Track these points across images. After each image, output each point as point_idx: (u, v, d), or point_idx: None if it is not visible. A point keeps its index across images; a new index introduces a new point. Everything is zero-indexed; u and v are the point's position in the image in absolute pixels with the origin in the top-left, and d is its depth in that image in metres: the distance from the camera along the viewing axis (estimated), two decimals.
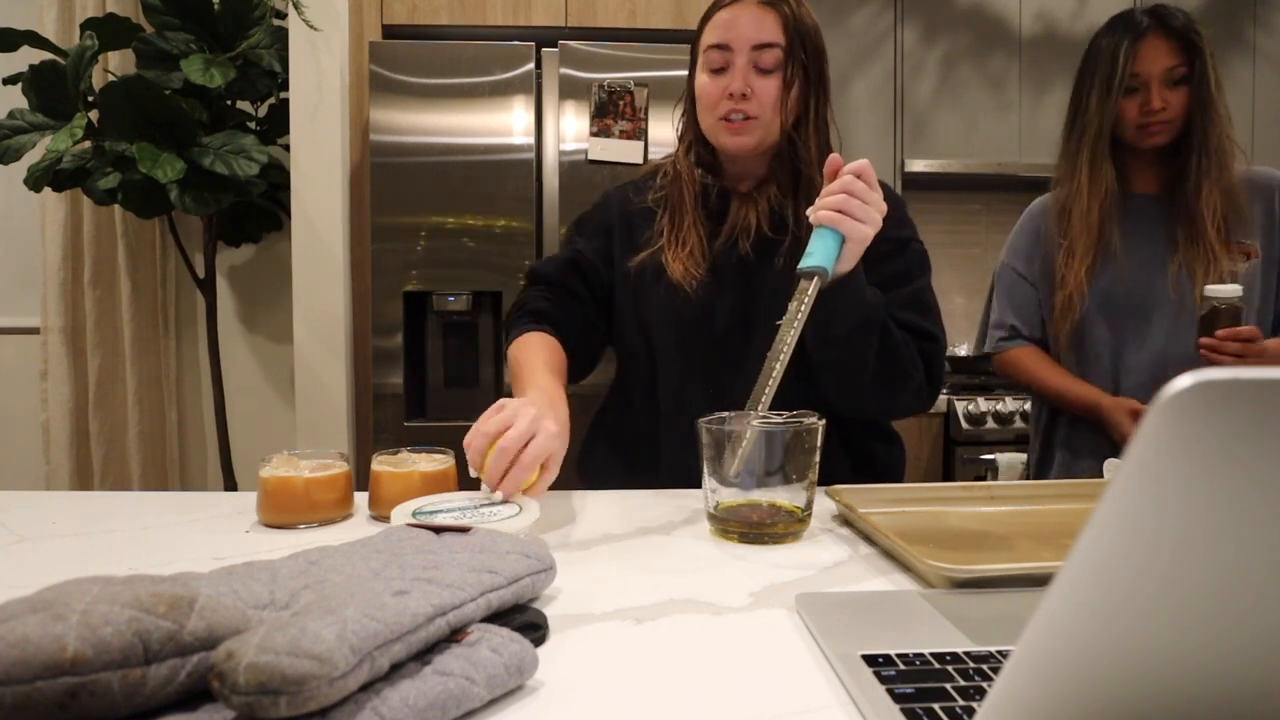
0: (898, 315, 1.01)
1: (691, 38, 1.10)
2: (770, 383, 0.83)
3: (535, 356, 1.01)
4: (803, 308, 0.85)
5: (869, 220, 0.88)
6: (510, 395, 0.93)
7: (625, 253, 1.13)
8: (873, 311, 0.97)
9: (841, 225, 0.87)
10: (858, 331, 0.96)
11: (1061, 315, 1.40)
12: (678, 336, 1.09)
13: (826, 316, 0.92)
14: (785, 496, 0.78)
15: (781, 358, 0.84)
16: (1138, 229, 1.37)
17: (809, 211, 0.90)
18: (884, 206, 0.90)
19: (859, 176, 0.88)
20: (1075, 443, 1.43)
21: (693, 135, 1.12)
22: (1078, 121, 1.38)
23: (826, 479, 0.87)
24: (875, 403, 1.04)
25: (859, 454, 1.10)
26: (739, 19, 1.02)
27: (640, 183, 1.18)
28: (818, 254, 0.87)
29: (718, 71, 1.04)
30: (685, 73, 1.13)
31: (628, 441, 1.15)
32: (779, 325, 0.86)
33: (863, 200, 0.87)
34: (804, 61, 1.04)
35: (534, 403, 0.84)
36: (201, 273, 2.35)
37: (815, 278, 0.86)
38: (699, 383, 1.08)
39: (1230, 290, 1.23)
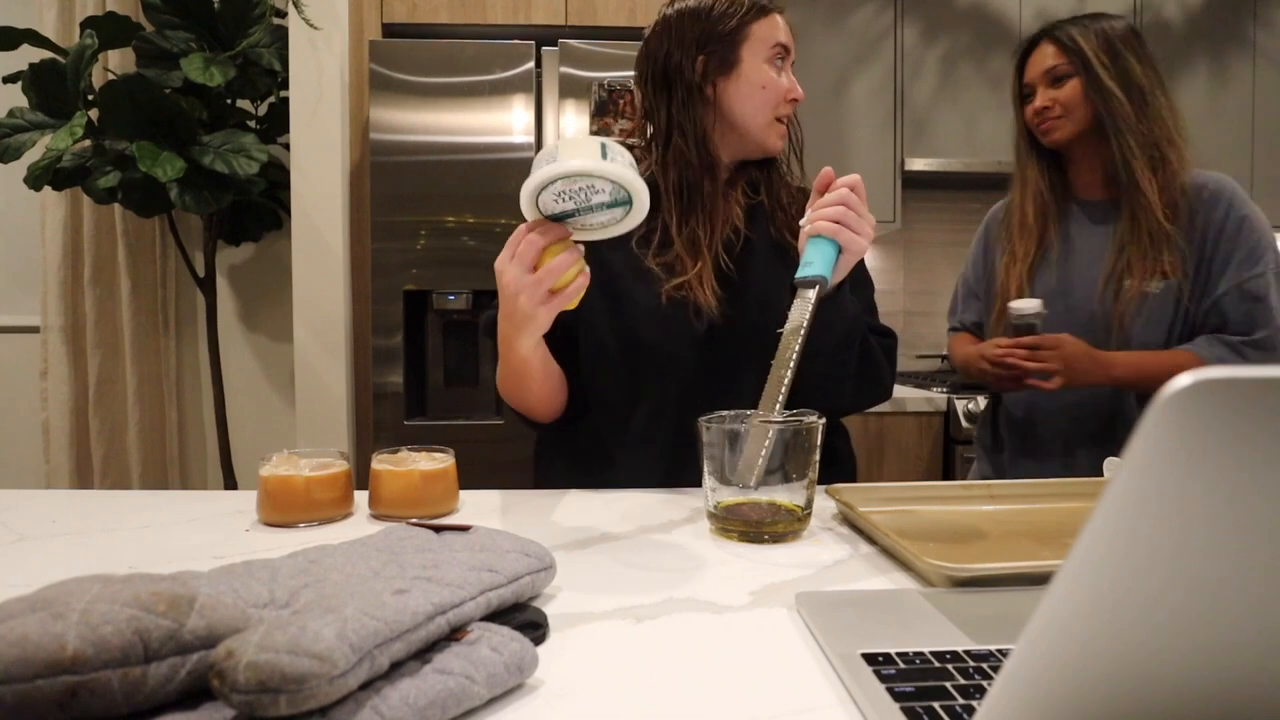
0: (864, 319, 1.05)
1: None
2: (782, 392, 0.82)
3: None
4: (806, 316, 0.85)
5: (864, 233, 0.89)
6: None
7: (597, 258, 1.07)
8: (857, 323, 0.99)
9: (839, 236, 0.87)
10: (844, 343, 0.98)
11: (997, 320, 1.39)
12: (660, 336, 1.05)
13: (816, 330, 0.91)
14: (785, 495, 0.78)
15: (790, 366, 0.83)
16: (1079, 234, 1.37)
17: (803, 221, 0.91)
18: (874, 221, 0.91)
19: (853, 190, 0.89)
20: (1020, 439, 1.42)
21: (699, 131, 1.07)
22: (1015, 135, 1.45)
23: None
24: (850, 404, 1.07)
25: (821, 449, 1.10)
26: (784, 29, 1.07)
27: None
28: (817, 263, 0.87)
29: (779, 69, 1.06)
30: None
31: (589, 452, 1.09)
32: (780, 334, 0.85)
33: (858, 213, 0.88)
34: None
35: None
36: (201, 272, 2.35)
37: (816, 286, 0.86)
38: (682, 384, 1.05)
39: (1029, 306, 1.27)
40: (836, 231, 0.87)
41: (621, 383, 1.06)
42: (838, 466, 1.10)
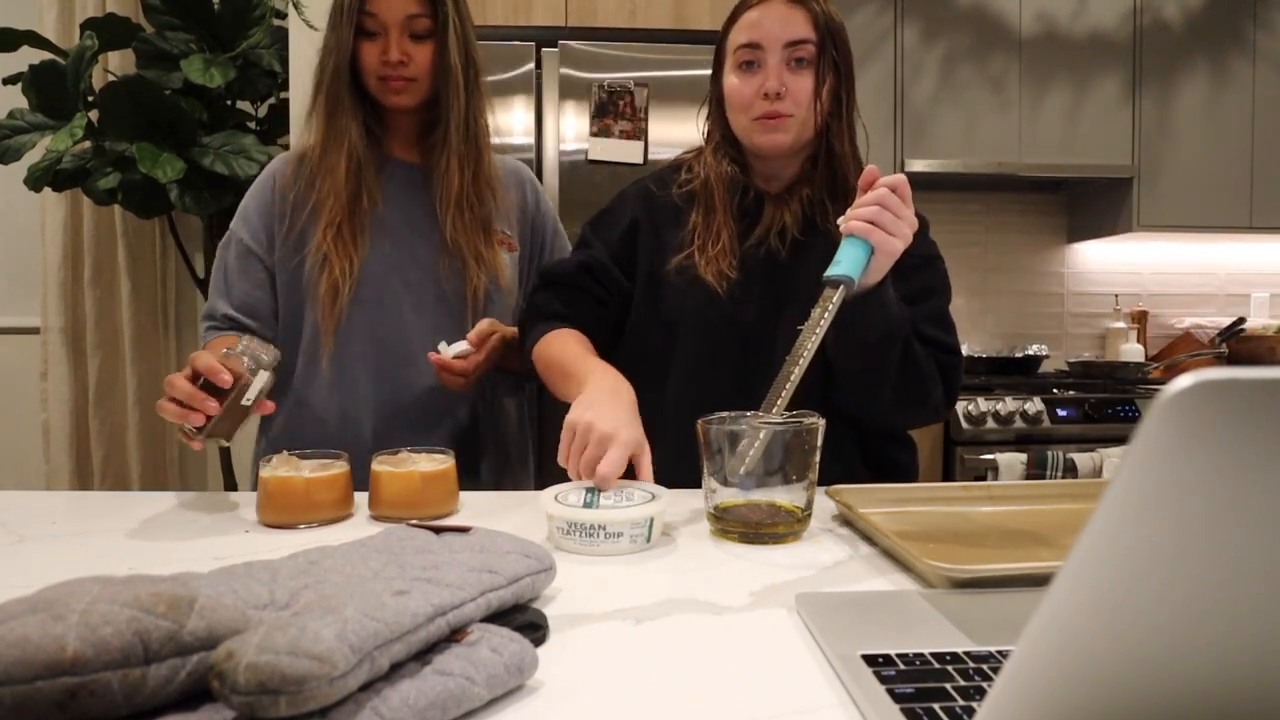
0: (921, 329, 1.02)
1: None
2: (787, 387, 0.82)
3: (573, 346, 1.02)
4: (825, 315, 0.85)
5: (899, 234, 0.87)
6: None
7: (651, 250, 1.11)
8: (897, 326, 0.97)
9: (872, 236, 0.87)
10: (881, 344, 0.96)
11: (330, 297, 1.14)
12: (705, 337, 1.07)
13: (851, 327, 0.91)
14: (785, 496, 0.77)
15: (801, 363, 0.83)
16: (399, 198, 1.21)
17: (840, 219, 0.90)
18: (915, 223, 0.90)
19: (894, 190, 0.88)
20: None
21: (720, 135, 1.11)
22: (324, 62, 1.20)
23: (846, 483, 0.89)
24: (892, 414, 1.05)
25: (877, 458, 1.09)
26: (769, 17, 1.02)
27: (663, 175, 1.16)
28: (845, 263, 0.87)
29: (748, 71, 1.03)
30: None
31: None
32: (800, 330, 0.85)
33: (895, 214, 0.87)
34: (834, 58, 1.04)
35: (599, 412, 0.84)
36: (201, 273, 2.35)
37: (841, 286, 0.86)
38: (723, 384, 1.05)
39: (459, 348, 1.09)
40: (869, 232, 0.87)
41: (660, 378, 1.07)
42: (896, 478, 1.09)
